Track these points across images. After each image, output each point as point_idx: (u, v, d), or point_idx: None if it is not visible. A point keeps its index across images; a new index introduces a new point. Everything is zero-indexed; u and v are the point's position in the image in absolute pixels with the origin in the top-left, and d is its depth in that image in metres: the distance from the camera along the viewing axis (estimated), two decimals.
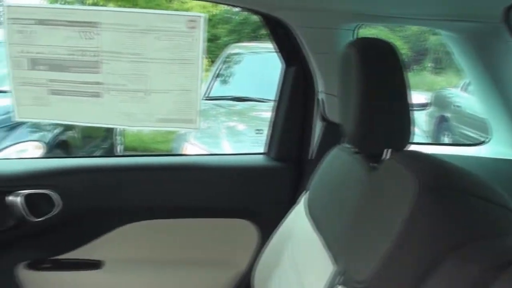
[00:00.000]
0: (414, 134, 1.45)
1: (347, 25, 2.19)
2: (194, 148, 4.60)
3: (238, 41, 9.77)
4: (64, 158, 4.00)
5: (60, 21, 1.99)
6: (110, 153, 5.85)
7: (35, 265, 2.26)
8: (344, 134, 1.54)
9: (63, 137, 4.86)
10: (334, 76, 1.66)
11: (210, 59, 7.61)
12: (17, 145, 4.40)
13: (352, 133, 1.47)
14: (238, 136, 4.95)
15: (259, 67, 5.99)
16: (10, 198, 2.15)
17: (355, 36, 2.21)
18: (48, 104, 2.06)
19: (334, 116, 2.13)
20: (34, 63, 2.02)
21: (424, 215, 1.12)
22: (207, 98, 5.56)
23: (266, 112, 4.72)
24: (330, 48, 2.15)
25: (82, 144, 5.23)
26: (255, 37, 11.31)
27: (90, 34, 1.97)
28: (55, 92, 2.04)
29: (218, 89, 5.92)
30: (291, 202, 1.97)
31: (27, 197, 2.16)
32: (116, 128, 5.89)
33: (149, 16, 1.98)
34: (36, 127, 4.60)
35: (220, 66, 6.25)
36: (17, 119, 2.12)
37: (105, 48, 1.99)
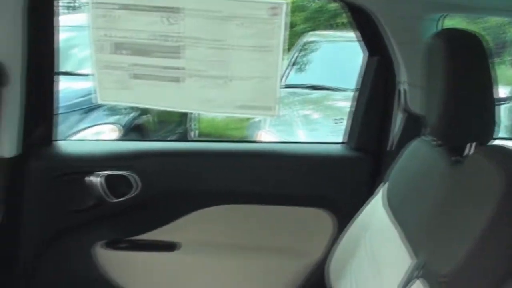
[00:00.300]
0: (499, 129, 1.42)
1: (431, 15, 2.15)
2: (268, 135, 4.61)
3: (314, 29, 9.70)
4: (143, 141, 4.09)
5: (144, 6, 2.00)
6: (184, 138, 5.90)
7: (112, 245, 2.31)
8: (426, 126, 1.52)
9: (139, 121, 4.93)
10: (417, 66, 1.63)
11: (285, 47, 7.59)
12: (94, 127, 4.48)
13: (435, 125, 1.45)
14: (313, 125, 4.93)
15: (336, 56, 5.95)
16: (90, 178, 2.20)
17: (438, 27, 2.17)
18: (129, 87, 2.09)
19: (416, 108, 2.10)
20: (117, 47, 2.05)
21: (511, 214, 1.09)
22: (282, 86, 5.54)
23: (341, 101, 4.71)
24: (414, 38, 2.11)
25: (158, 128, 5.29)
26: (330, 26, 11.22)
27: (173, 19, 1.99)
28: (136, 76, 2.07)
29: (293, 77, 5.92)
30: (369, 193, 1.95)
31: (107, 178, 2.21)
32: (191, 114, 5.94)
33: (232, 3, 1.98)
34: (113, 110, 4.68)
35: (296, 54, 6.24)
36: (99, 101, 2.16)
37: (187, 33, 2.00)
